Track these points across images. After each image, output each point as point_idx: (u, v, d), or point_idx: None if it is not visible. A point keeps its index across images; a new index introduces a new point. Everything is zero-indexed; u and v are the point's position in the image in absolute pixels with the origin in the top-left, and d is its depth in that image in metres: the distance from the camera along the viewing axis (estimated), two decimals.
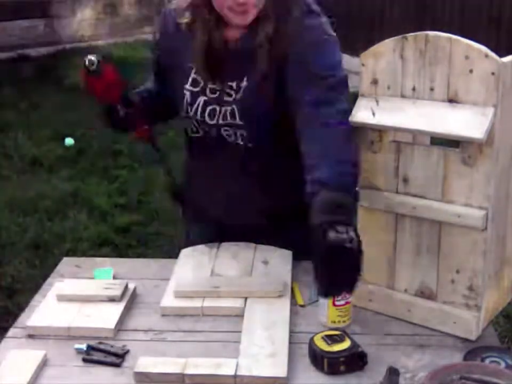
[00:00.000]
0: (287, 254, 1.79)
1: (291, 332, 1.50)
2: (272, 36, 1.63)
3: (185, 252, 1.85)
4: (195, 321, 1.57)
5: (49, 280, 1.77)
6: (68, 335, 1.52)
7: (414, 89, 1.44)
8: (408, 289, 1.54)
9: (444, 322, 1.50)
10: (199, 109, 1.74)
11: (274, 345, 1.44)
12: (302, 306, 1.62)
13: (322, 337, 1.42)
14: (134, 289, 1.68)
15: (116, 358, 1.43)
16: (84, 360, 1.44)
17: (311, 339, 1.43)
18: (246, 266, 1.75)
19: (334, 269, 1.34)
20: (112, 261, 1.92)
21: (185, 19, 1.72)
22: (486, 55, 1.34)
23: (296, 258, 1.78)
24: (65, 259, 1.92)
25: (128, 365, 1.42)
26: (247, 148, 1.74)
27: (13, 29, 7.68)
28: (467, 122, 1.36)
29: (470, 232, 1.42)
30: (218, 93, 1.72)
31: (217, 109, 1.72)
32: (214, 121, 1.74)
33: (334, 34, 1.66)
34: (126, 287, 1.66)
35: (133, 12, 8.66)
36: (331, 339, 1.41)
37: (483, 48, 1.35)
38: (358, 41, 6.27)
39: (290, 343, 1.46)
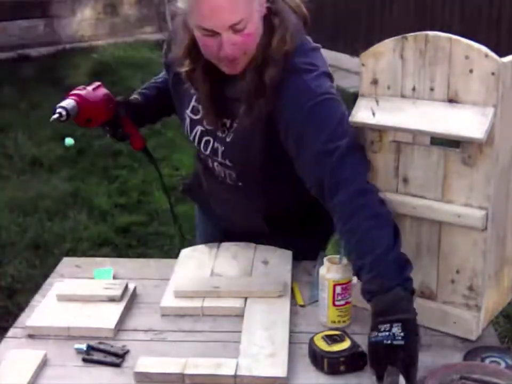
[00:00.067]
0: (287, 254, 1.80)
1: (291, 332, 1.50)
2: (257, 88, 1.56)
3: (185, 252, 1.85)
4: (195, 321, 1.57)
5: (49, 280, 1.77)
6: (67, 335, 1.52)
7: (414, 89, 1.44)
8: None
9: (444, 322, 1.50)
10: (196, 137, 1.75)
11: (274, 345, 1.44)
12: (302, 306, 1.62)
13: (322, 337, 1.42)
14: (134, 289, 1.68)
15: (116, 358, 1.43)
16: (84, 360, 1.44)
17: (311, 339, 1.43)
18: (246, 266, 1.75)
19: (381, 368, 1.29)
20: (112, 261, 1.92)
21: (184, 68, 1.65)
22: (486, 55, 1.34)
23: (296, 258, 1.78)
24: (65, 259, 1.92)
25: (128, 365, 1.42)
26: (237, 186, 1.74)
27: (13, 29, 7.68)
28: (467, 122, 1.36)
29: (470, 232, 1.42)
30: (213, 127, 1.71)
31: (211, 141, 1.72)
32: (207, 152, 1.74)
33: (330, 87, 1.57)
34: (126, 287, 1.66)
35: (133, 12, 8.65)
36: (331, 339, 1.41)
37: (483, 48, 1.35)
38: (358, 41, 6.31)
39: (290, 343, 1.46)
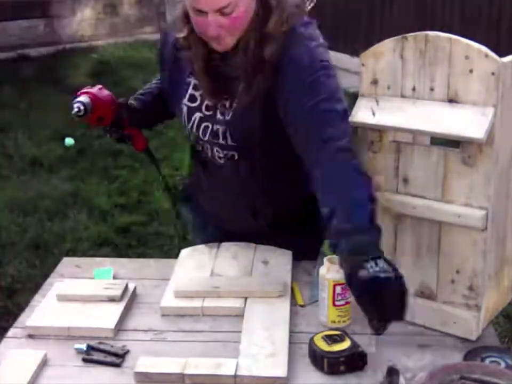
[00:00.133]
0: (287, 254, 1.79)
1: (291, 332, 1.50)
2: (256, 65, 1.58)
3: (185, 252, 1.85)
4: (195, 321, 1.57)
5: (49, 280, 1.77)
6: (67, 335, 1.52)
7: (414, 89, 1.44)
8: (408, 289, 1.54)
9: (444, 322, 1.50)
10: (195, 124, 1.75)
11: (274, 345, 1.44)
12: (302, 306, 1.62)
13: (322, 337, 1.42)
14: (134, 289, 1.68)
15: (116, 358, 1.43)
16: (84, 360, 1.44)
17: (311, 339, 1.43)
18: (246, 266, 1.75)
19: (378, 303, 1.32)
20: (112, 261, 1.92)
21: (182, 33, 1.68)
22: (486, 55, 1.34)
23: (296, 258, 1.78)
24: (65, 259, 1.92)
25: (128, 365, 1.42)
26: (239, 170, 1.74)
27: (13, 29, 7.69)
28: (467, 122, 1.36)
29: (470, 232, 1.42)
30: (212, 111, 1.71)
31: (210, 126, 1.72)
32: (207, 138, 1.74)
33: (327, 59, 1.60)
34: (126, 287, 1.66)
35: (133, 12, 8.65)
36: (331, 339, 1.41)
37: (483, 48, 1.35)
38: (358, 41, 6.31)
39: (290, 343, 1.46)
